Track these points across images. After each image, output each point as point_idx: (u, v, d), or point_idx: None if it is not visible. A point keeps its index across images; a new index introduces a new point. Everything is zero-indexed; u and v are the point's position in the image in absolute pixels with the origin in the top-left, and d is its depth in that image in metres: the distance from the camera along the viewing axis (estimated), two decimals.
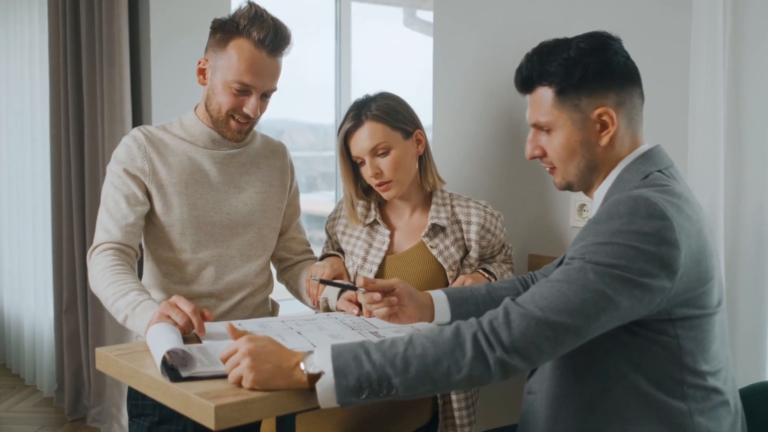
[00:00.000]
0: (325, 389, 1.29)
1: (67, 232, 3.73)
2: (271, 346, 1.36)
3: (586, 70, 1.45)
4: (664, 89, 1.96)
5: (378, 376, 1.29)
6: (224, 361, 1.37)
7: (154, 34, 3.34)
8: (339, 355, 1.31)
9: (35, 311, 4.36)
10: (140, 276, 1.98)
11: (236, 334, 1.44)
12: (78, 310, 3.73)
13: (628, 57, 1.49)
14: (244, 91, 1.88)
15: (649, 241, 1.31)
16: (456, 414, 1.99)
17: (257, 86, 1.88)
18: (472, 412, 2.02)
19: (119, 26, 3.31)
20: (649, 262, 1.31)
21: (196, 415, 1.29)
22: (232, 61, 1.85)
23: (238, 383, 1.33)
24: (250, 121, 1.94)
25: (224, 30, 1.88)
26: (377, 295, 1.65)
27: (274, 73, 1.91)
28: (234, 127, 1.94)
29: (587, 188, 1.54)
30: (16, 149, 4.47)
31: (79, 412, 3.85)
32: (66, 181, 3.72)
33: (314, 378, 1.31)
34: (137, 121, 3.42)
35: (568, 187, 1.55)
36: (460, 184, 2.48)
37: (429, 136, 2.11)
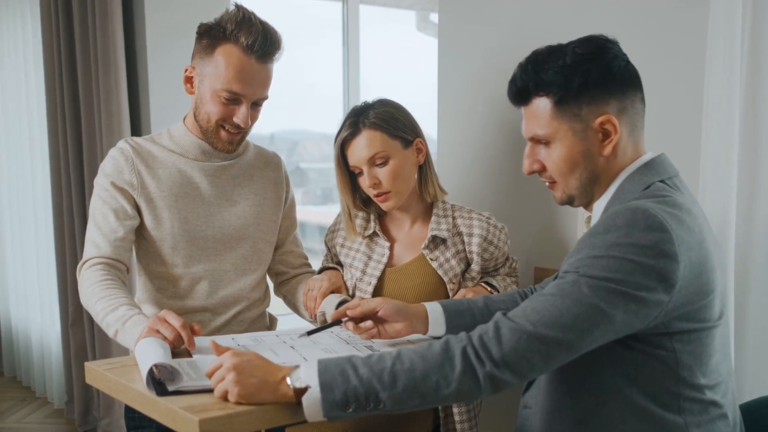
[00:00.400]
0: (312, 403, 1.28)
1: (70, 246, 3.74)
2: (256, 360, 1.35)
3: (586, 77, 1.40)
4: (678, 89, 1.89)
5: (365, 391, 1.27)
6: (210, 376, 1.36)
7: (150, 39, 3.26)
8: (325, 369, 1.29)
9: (42, 325, 4.38)
10: (134, 291, 1.96)
11: (220, 350, 1.43)
12: (84, 324, 3.74)
13: (628, 60, 1.44)
14: (233, 99, 1.82)
15: (646, 254, 1.27)
16: (458, 426, 1.95)
17: (247, 94, 1.82)
18: (474, 425, 1.98)
19: (113, 32, 3.26)
20: (646, 276, 1.27)
21: (182, 429, 1.28)
22: (220, 68, 1.79)
23: (224, 398, 1.32)
24: (241, 131, 1.89)
25: (211, 35, 1.81)
26: (350, 325, 1.68)
27: (265, 80, 1.85)
28: (224, 137, 1.88)
29: (588, 202, 1.50)
30: (16, 157, 4.50)
31: (90, 424, 3.87)
32: (67, 195, 3.73)
33: (300, 392, 1.29)
34: (136, 130, 3.39)
35: (569, 201, 1.50)
36: (465, 194, 2.44)
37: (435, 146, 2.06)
